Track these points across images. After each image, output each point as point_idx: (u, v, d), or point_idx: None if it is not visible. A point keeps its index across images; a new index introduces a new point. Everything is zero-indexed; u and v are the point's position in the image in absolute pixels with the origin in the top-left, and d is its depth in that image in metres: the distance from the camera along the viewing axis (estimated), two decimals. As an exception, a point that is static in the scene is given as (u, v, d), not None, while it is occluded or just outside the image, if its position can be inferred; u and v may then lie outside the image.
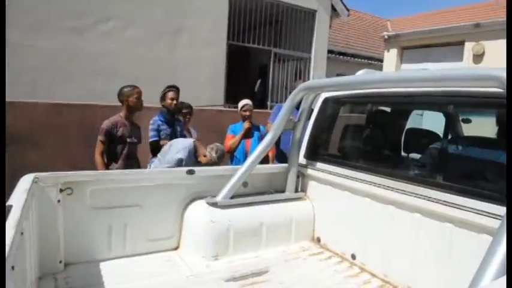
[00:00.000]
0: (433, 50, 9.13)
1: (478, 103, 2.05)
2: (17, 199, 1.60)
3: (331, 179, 2.66)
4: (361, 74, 2.65)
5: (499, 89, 1.52)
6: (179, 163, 3.04)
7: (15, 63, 5.23)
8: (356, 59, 13.20)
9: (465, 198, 1.81)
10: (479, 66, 8.05)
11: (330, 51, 9.00)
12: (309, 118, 2.81)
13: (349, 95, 2.69)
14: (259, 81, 9.99)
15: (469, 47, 8.45)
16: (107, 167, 3.26)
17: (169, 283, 2.11)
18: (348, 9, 8.67)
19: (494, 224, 1.62)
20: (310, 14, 8.25)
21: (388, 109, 2.96)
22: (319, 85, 2.59)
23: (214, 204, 2.47)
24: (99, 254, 2.31)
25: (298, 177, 2.90)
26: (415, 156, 2.53)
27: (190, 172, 2.52)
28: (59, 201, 2.16)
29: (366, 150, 2.80)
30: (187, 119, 4.03)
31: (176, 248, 2.53)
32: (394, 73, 2.44)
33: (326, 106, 2.82)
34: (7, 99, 3.86)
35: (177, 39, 6.91)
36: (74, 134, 4.39)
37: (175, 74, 6.78)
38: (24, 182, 1.91)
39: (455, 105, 2.26)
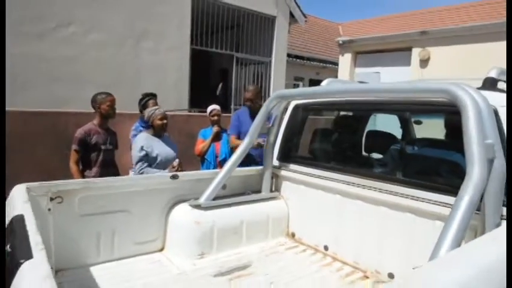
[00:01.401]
0: (384, 55, 9.73)
1: (428, 110, 2.36)
2: (22, 208, 1.67)
3: (303, 178, 2.88)
4: (326, 84, 2.90)
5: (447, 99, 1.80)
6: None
7: None
8: (312, 62, 13.69)
9: (421, 191, 2.10)
10: (422, 72, 8.71)
11: (287, 55, 9.34)
12: (280, 124, 3.02)
13: (316, 102, 2.93)
14: (220, 85, 10.13)
15: (416, 53, 9.10)
16: (82, 174, 3.28)
17: (160, 281, 2.23)
18: (305, 16, 9.04)
19: (446, 211, 1.90)
20: (270, 20, 8.53)
21: (350, 114, 3.23)
22: (291, 94, 2.81)
23: (198, 206, 2.61)
24: (89, 259, 2.37)
25: (272, 178, 3.10)
26: (377, 155, 2.81)
27: (174, 177, 2.64)
28: (49, 209, 2.20)
29: (333, 151, 3.06)
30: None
31: (161, 250, 2.64)
32: (356, 85, 2.69)
33: (296, 112, 3.05)
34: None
35: (140, 44, 6.90)
36: (43, 142, 4.30)
37: (139, 79, 6.78)
38: (19, 192, 1.96)
39: (408, 111, 2.56)
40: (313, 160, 3.01)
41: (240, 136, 3.87)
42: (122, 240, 2.48)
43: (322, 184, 2.72)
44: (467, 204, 1.52)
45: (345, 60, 10.35)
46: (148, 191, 2.58)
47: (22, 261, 1.18)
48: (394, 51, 9.42)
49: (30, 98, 5.49)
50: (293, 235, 2.99)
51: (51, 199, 2.22)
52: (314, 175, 2.79)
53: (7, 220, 1.69)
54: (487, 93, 1.92)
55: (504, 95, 1.94)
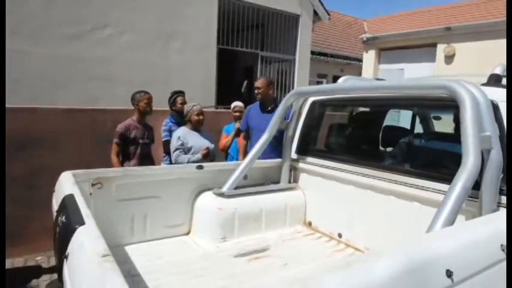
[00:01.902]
0: (408, 51, 9.66)
1: (436, 105, 2.49)
2: (71, 189, 1.96)
3: (319, 170, 3.06)
4: (342, 81, 3.06)
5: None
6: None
7: (16, 70, 5.41)
8: (335, 59, 13.61)
9: (426, 181, 2.24)
10: (448, 68, 8.61)
11: (310, 52, 9.44)
12: (298, 119, 3.21)
13: (333, 98, 3.10)
14: (245, 82, 10.33)
15: (440, 49, 8.99)
16: (121, 165, 3.61)
17: (187, 260, 2.48)
18: (328, 14, 9.10)
19: None
20: (294, 19, 8.64)
21: (367, 109, 3.38)
22: (307, 91, 3.00)
23: (222, 194, 2.84)
24: (124, 239, 2.65)
25: (290, 170, 3.29)
26: (390, 148, 2.95)
27: (200, 167, 2.89)
28: (90, 194, 2.50)
29: (348, 144, 3.22)
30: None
31: (188, 233, 2.90)
32: (367, 83, 2.84)
33: (313, 108, 3.23)
34: (18, 105, 4.13)
35: (169, 45, 7.16)
36: (85, 137, 4.63)
37: (168, 78, 7.06)
38: (67, 177, 2.26)
39: (418, 106, 2.70)
40: (328, 153, 3.18)
41: (249, 130, 4.01)
42: (153, 223, 2.74)
43: (337, 175, 2.89)
44: (460, 189, 1.67)
45: (369, 57, 10.35)
46: (177, 180, 2.83)
47: (77, 226, 1.46)
48: (419, 47, 9.34)
49: (68, 96, 5.86)
50: (310, 224, 3.18)
51: (93, 185, 2.50)
52: (329, 167, 2.97)
53: (59, 199, 1.99)
54: (490, 89, 2.05)
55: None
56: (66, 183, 2.14)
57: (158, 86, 6.54)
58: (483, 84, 2.14)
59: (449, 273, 1.31)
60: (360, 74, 11.47)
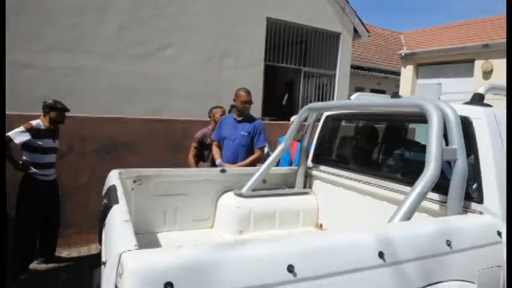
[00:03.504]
0: (446, 66, 9.20)
1: (417, 120, 2.56)
2: (115, 182, 2.31)
3: (330, 178, 3.15)
4: (354, 98, 3.14)
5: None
6: None
7: (93, 85, 6.02)
8: (372, 72, 13.15)
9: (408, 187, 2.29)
10: (485, 83, 8.06)
11: (348, 66, 9.29)
12: (313, 131, 3.33)
13: (341, 113, 3.20)
14: (286, 96, 10.43)
15: (478, 65, 8.46)
16: (196, 166, 4.05)
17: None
18: (368, 31, 8.96)
19: (430, 205, 2.19)
20: (335, 36, 8.65)
21: (370, 124, 3.43)
22: (317, 107, 3.13)
23: (240, 195, 3.04)
24: (158, 228, 2.95)
25: (306, 177, 3.41)
26: (386, 159, 2.99)
27: (223, 171, 3.12)
28: (132, 189, 2.83)
29: (354, 155, 3.27)
30: None
31: (212, 227, 3.13)
32: (367, 100, 2.97)
33: (327, 121, 3.33)
34: (96, 115, 4.65)
35: (223, 62, 7.47)
36: (160, 143, 5.05)
37: (221, 92, 7.37)
38: (114, 173, 2.61)
39: (407, 121, 2.79)
40: (337, 162, 3.25)
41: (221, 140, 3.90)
42: (182, 216, 3.01)
43: (343, 183, 2.97)
44: (418, 192, 1.80)
45: (407, 72, 9.98)
46: (204, 181, 3.08)
47: (113, 204, 1.86)
48: (457, 63, 8.85)
49: (137, 107, 6.35)
50: (321, 226, 3.27)
51: (134, 181, 2.83)
52: (338, 175, 3.05)
53: (106, 188, 2.33)
54: (469, 107, 2.14)
55: (486, 108, 2.10)
56: (113, 178, 2.49)
57: (212, 99, 6.91)
58: (466, 103, 2.20)
59: (381, 255, 1.48)
60: (397, 87, 11.05)
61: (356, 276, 1.45)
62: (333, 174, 3.11)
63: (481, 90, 2.26)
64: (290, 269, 1.32)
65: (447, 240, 1.68)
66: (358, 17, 8.67)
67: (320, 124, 3.38)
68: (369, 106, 2.53)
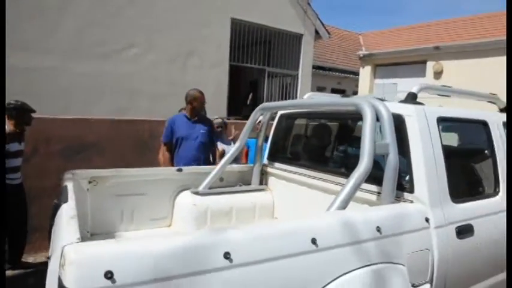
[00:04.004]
0: (401, 67, 9.62)
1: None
2: (67, 183, 2.31)
3: (284, 174, 3.23)
4: (307, 97, 3.24)
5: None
6: None
7: (52, 85, 5.77)
8: (333, 72, 13.44)
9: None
10: (436, 82, 8.51)
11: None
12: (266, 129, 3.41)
13: (296, 112, 3.29)
14: (251, 95, 10.48)
15: (430, 66, 8.90)
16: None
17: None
18: (328, 32, 9.17)
19: (369, 196, 2.30)
20: (297, 38, 8.79)
21: (321, 122, 3.55)
22: (269, 107, 3.19)
23: (197, 193, 3.05)
24: (115, 227, 2.91)
25: (262, 174, 3.47)
26: (334, 155, 3.11)
27: (179, 170, 3.12)
28: (87, 189, 2.78)
29: (305, 152, 3.38)
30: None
31: (169, 225, 3.13)
32: (308, 100, 3.12)
33: (281, 120, 3.42)
34: (53, 115, 4.48)
35: (188, 62, 7.42)
36: (128, 144, 4.98)
37: (186, 92, 7.32)
38: (68, 175, 2.56)
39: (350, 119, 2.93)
40: (291, 159, 3.35)
41: (172, 142, 3.88)
42: (140, 215, 2.99)
43: (296, 179, 3.06)
44: (352, 184, 1.92)
45: (365, 72, 10.33)
46: (161, 180, 3.07)
47: (63, 203, 1.88)
48: (411, 64, 9.28)
49: (100, 107, 6.19)
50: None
51: (89, 182, 2.78)
52: (291, 171, 3.14)
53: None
54: (403, 105, 2.28)
55: (417, 106, 2.25)
56: (66, 179, 2.45)
57: (177, 99, 6.84)
58: (401, 101, 2.34)
59: (314, 241, 1.58)
60: (357, 87, 11.41)
61: (290, 261, 1.54)
62: (286, 171, 3.20)
63: (414, 90, 2.40)
64: (226, 255, 1.39)
65: (377, 227, 1.80)
66: (319, 19, 8.86)
67: (274, 123, 3.45)
68: (313, 105, 2.64)
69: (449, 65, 8.46)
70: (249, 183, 3.44)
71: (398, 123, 2.18)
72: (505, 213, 2.48)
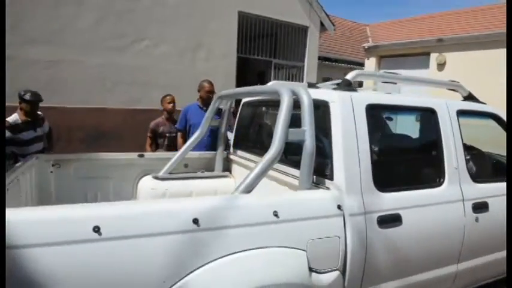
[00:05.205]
0: (406, 59, 9.01)
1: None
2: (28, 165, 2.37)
3: (245, 162, 3.10)
4: (270, 85, 3.04)
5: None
6: None
7: (72, 77, 5.87)
8: (339, 63, 12.80)
9: (290, 168, 2.29)
10: (440, 74, 7.89)
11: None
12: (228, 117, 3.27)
13: (256, 100, 3.11)
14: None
15: (433, 58, 8.26)
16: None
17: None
18: (334, 24, 8.73)
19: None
20: (303, 30, 8.46)
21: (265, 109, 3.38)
22: (226, 94, 3.03)
23: (156, 178, 3.00)
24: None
25: (227, 161, 3.35)
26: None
27: (141, 156, 3.07)
28: (51, 172, 2.79)
29: (262, 140, 3.18)
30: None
31: (133, 208, 3.10)
32: (252, 87, 2.95)
33: (243, 108, 3.27)
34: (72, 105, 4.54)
35: (196, 54, 7.35)
36: (143, 132, 4.92)
37: (196, 83, 7.18)
38: (31, 158, 2.59)
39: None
40: (251, 148, 3.19)
41: (186, 129, 3.97)
42: (103, 198, 2.98)
43: (250, 166, 2.89)
44: (258, 169, 1.85)
45: (370, 64, 9.77)
46: (124, 165, 3.04)
47: None
48: (415, 55, 8.65)
49: (115, 98, 6.21)
50: (237, 206, 3.21)
51: (53, 165, 2.79)
52: (250, 160, 2.99)
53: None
54: (328, 92, 2.14)
55: (343, 93, 2.07)
56: (30, 162, 2.53)
57: (187, 90, 6.77)
58: (335, 88, 2.12)
59: (196, 221, 1.51)
60: (362, 79, 10.67)
61: (168, 238, 1.47)
62: (246, 159, 3.05)
63: (348, 77, 2.18)
64: (95, 229, 1.37)
65: (274, 211, 1.68)
66: (324, 11, 8.47)
67: (239, 111, 3.29)
68: (244, 93, 2.49)
69: (452, 57, 7.82)
70: (211, 170, 3.32)
71: (324, 110, 1.99)
72: (450, 204, 2.20)
